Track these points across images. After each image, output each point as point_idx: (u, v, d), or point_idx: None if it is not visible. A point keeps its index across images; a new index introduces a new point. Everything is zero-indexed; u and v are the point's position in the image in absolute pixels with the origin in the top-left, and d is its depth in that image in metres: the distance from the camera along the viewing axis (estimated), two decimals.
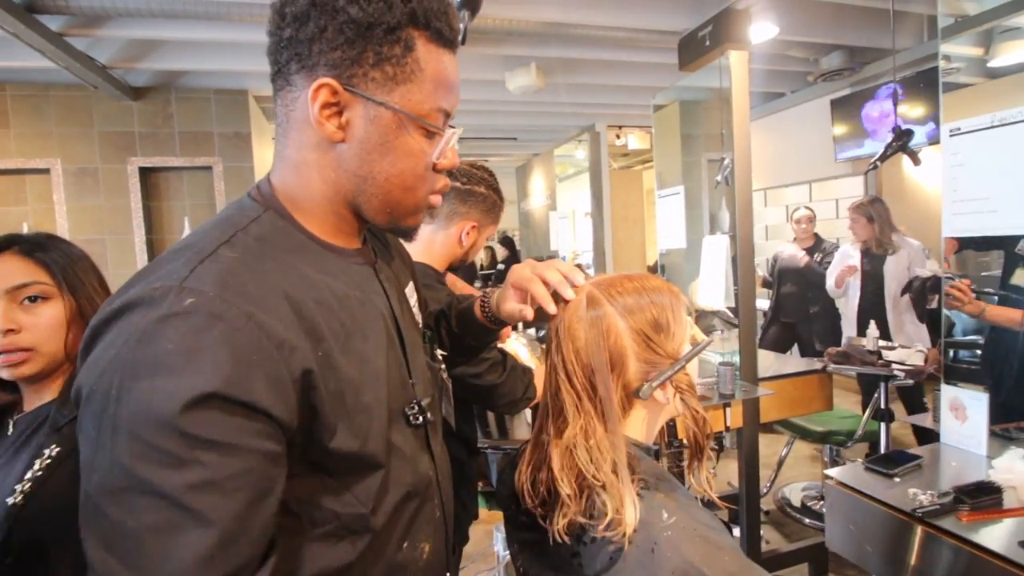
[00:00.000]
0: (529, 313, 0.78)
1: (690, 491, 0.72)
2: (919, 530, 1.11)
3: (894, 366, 2.05)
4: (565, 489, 0.67)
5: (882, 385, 2.19)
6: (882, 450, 2.22)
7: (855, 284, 3.26)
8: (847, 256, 3.34)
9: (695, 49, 3.25)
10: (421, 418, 0.67)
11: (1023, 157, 1.23)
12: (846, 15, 3.40)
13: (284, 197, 0.61)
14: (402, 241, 0.88)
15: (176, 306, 0.46)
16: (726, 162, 4.03)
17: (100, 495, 0.45)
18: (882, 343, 2.24)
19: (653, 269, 6.49)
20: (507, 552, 2.02)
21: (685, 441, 0.76)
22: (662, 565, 0.59)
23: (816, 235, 3.94)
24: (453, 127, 0.64)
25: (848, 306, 3.34)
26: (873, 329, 2.25)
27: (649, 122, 5.62)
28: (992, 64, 1.45)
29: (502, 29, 3.25)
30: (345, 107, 0.57)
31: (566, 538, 0.66)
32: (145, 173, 3.90)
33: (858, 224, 3.23)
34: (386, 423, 0.61)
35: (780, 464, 2.77)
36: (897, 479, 1.27)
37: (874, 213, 3.19)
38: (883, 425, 2.19)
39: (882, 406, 2.19)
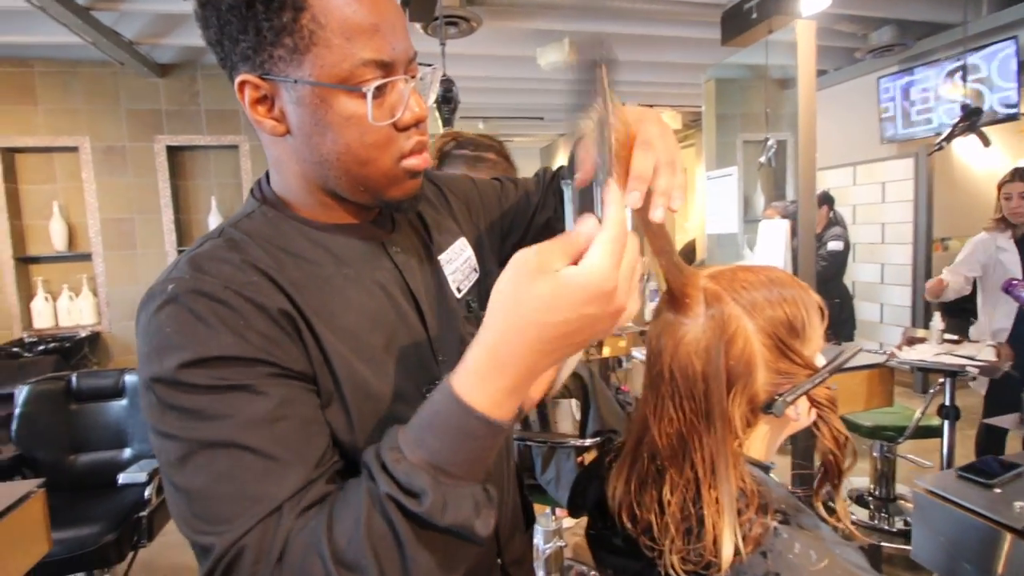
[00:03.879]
0: (587, 174, 0.48)
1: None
2: None
3: (966, 362, 1.91)
4: (674, 520, 0.57)
5: (948, 380, 2.05)
6: (944, 451, 2.09)
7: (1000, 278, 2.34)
8: (993, 247, 2.41)
9: (741, 22, 3.06)
10: None
11: None
12: None
13: (278, 191, 0.61)
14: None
15: (163, 296, 0.49)
16: (770, 143, 3.85)
17: (170, 472, 0.47)
18: (947, 336, 2.10)
19: (685, 252, 6.32)
20: (548, 547, 1.95)
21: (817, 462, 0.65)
22: None
23: (831, 218, 3.63)
24: (426, 65, 0.56)
25: (998, 302, 2.41)
26: (938, 321, 2.10)
27: (682, 101, 5.43)
28: None
29: (535, 2, 3.09)
30: (273, 97, 0.53)
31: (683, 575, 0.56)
32: (172, 151, 3.84)
33: None
34: (385, 403, 0.56)
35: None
36: (997, 489, 1.15)
37: None
38: (947, 424, 2.06)
39: (947, 402, 2.05)
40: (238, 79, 0.53)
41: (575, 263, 0.42)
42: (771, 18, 2.86)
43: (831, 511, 0.62)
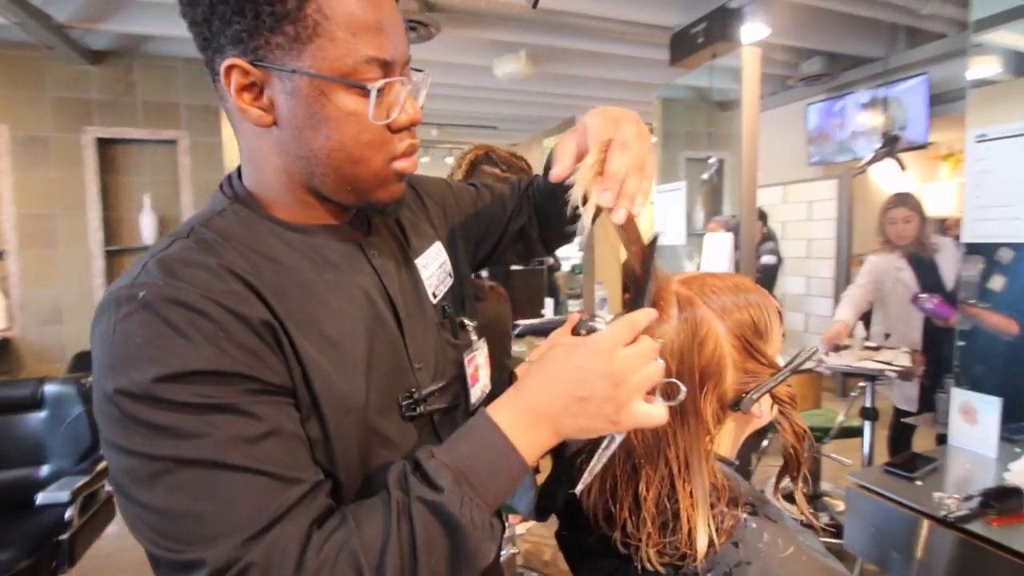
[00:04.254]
0: (564, 169, 0.58)
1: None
2: (950, 535, 1.09)
3: (885, 367, 2.08)
4: (650, 515, 0.60)
5: (868, 383, 2.22)
6: (865, 449, 2.25)
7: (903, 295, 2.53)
8: (891, 269, 2.57)
9: (687, 46, 3.22)
10: (419, 408, 0.60)
11: None
12: (831, 22, 3.44)
13: (251, 188, 0.58)
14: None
15: (132, 303, 0.45)
16: (712, 161, 4.06)
17: (134, 491, 0.44)
18: (867, 344, 2.28)
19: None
20: (502, 554, 1.95)
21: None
22: None
23: (764, 233, 3.88)
24: (418, 70, 0.55)
25: (903, 317, 2.57)
26: (860, 330, 2.27)
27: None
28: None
29: (494, 13, 3.13)
30: (263, 85, 0.51)
31: (660, 568, 0.59)
32: (103, 144, 3.59)
33: (911, 224, 2.50)
34: (363, 415, 0.55)
35: (758, 459, 2.79)
36: (919, 482, 1.26)
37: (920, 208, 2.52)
38: (868, 424, 2.23)
39: (868, 404, 2.22)
40: (225, 63, 0.50)
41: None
42: (715, 44, 3.03)
43: (791, 501, 0.66)
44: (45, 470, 2.00)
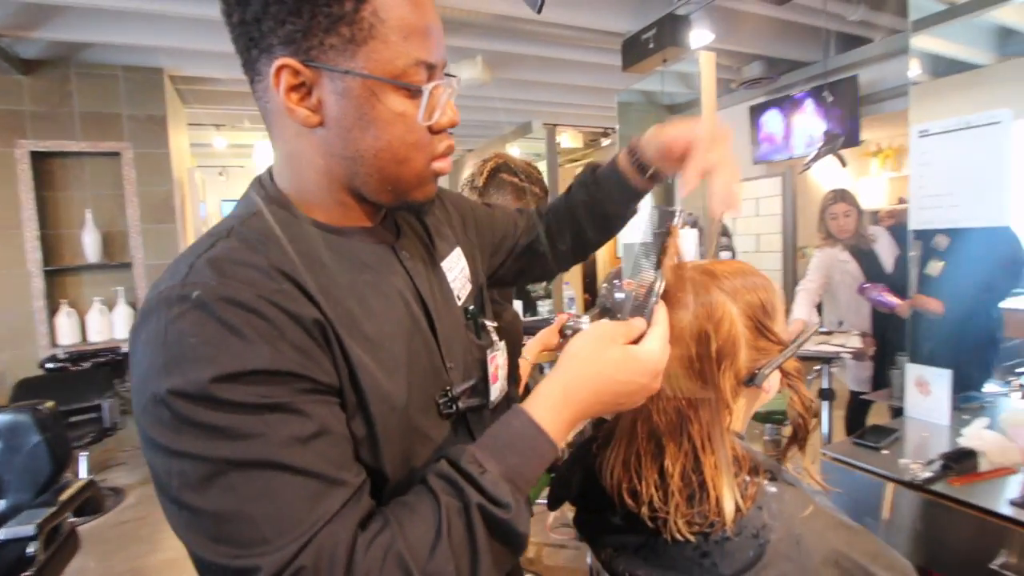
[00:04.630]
0: (693, 178, 0.68)
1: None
2: (917, 496, 1.19)
3: (840, 349, 2.22)
4: (678, 488, 0.63)
5: (825, 366, 2.36)
6: (824, 427, 2.39)
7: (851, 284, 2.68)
8: (836, 262, 2.73)
9: (639, 51, 3.33)
10: (454, 407, 0.62)
11: (986, 158, 1.36)
12: (770, 28, 3.64)
13: (285, 189, 0.58)
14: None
15: (185, 302, 0.45)
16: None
17: (185, 495, 0.43)
18: (820, 330, 2.42)
19: (587, 264, 6.63)
20: None
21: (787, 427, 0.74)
22: (811, 556, 0.57)
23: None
24: (450, 75, 0.58)
25: (852, 306, 2.71)
26: (815, 317, 2.42)
27: (585, 121, 5.74)
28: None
29: (452, 19, 3.15)
30: (313, 86, 0.51)
31: (691, 537, 0.62)
32: (38, 158, 3.37)
33: (850, 218, 2.70)
34: (406, 413, 0.56)
35: None
36: (884, 451, 1.36)
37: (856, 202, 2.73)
38: (826, 404, 2.37)
39: (825, 385, 2.36)
40: (276, 63, 0.50)
41: (632, 343, 0.56)
42: (665, 49, 3.15)
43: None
44: (1, 504, 1.86)
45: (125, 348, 3.39)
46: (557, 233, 0.89)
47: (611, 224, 0.88)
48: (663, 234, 0.64)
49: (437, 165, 0.58)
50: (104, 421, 3.06)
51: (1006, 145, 1.34)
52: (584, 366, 0.54)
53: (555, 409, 0.53)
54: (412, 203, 0.59)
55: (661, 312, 0.59)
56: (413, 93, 0.53)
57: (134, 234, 3.59)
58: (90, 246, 3.47)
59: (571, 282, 3.77)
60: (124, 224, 3.59)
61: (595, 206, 0.85)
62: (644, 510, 0.65)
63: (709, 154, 0.67)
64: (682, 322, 0.65)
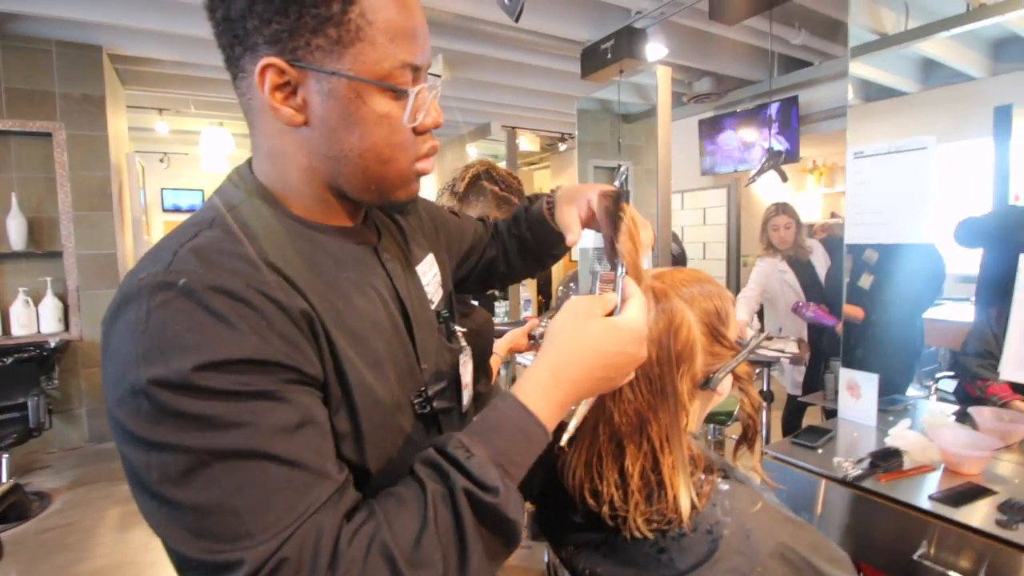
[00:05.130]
0: (576, 236, 0.74)
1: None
2: (848, 492, 1.27)
3: (779, 354, 2.34)
4: (637, 487, 0.65)
5: (765, 370, 2.49)
6: (763, 428, 2.52)
7: (791, 296, 2.81)
8: (776, 272, 2.86)
9: (597, 61, 3.40)
10: (428, 407, 0.63)
11: (914, 179, 1.47)
12: (720, 47, 3.80)
13: (267, 183, 0.57)
14: None
15: (171, 289, 0.44)
16: (623, 169, 4.29)
17: (166, 489, 0.42)
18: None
19: None
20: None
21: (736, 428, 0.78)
22: (759, 549, 0.60)
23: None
24: (435, 75, 0.59)
25: (795, 323, 2.84)
26: (755, 322, 2.54)
27: (542, 125, 5.80)
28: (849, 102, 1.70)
29: None
30: (298, 85, 0.51)
31: (648, 534, 0.64)
32: None
33: (790, 231, 2.83)
34: (389, 409, 0.56)
35: None
36: (819, 450, 1.44)
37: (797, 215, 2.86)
38: (765, 405, 2.49)
39: (765, 387, 2.49)
40: (262, 62, 0.49)
41: (608, 315, 0.55)
42: (622, 60, 3.23)
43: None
44: None
45: (53, 343, 3.16)
46: (512, 251, 0.92)
47: (556, 253, 0.91)
48: (614, 207, 0.65)
49: (420, 165, 0.58)
50: (29, 421, 2.84)
51: (931, 168, 1.46)
52: (568, 344, 0.53)
53: (544, 390, 0.51)
54: (395, 202, 0.59)
55: (632, 284, 0.58)
56: (399, 95, 0.52)
57: (65, 221, 3.35)
58: (15, 232, 3.22)
59: (527, 283, 3.80)
60: (54, 210, 3.35)
61: (536, 244, 0.89)
62: (605, 509, 0.67)
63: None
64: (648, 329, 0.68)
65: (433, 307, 0.72)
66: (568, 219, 0.75)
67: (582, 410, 0.61)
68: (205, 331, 0.43)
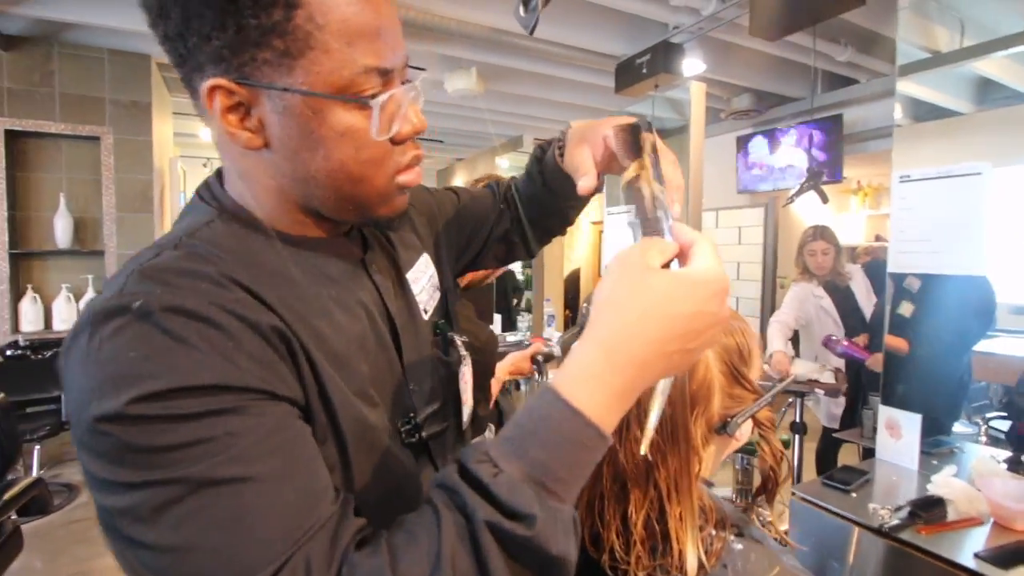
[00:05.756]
0: (591, 180, 0.59)
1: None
2: (883, 543, 1.17)
3: (814, 386, 2.22)
4: (640, 538, 0.60)
5: (798, 400, 2.36)
6: (795, 461, 2.39)
7: (828, 323, 2.71)
8: (812, 297, 2.76)
9: (632, 75, 3.35)
10: (416, 435, 0.58)
11: (965, 207, 1.37)
12: (761, 63, 3.70)
13: (240, 199, 0.53)
14: None
15: (124, 314, 0.39)
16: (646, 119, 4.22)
17: (137, 531, 0.37)
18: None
19: (571, 279, 6.64)
20: None
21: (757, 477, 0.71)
22: None
23: None
24: (417, 67, 0.52)
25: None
26: (789, 348, 2.42)
27: None
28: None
29: (446, 28, 3.13)
30: (251, 105, 0.46)
31: None
32: (13, 137, 3.26)
33: (828, 256, 2.70)
34: (376, 436, 0.52)
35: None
36: (853, 494, 1.34)
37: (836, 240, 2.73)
38: (797, 437, 2.36)
39: (797, 419, 2.36)
40: (207, 84, 0.45)
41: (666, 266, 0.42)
42: (658, 75, 3.17)
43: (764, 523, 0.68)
44: None
45: None
46: (530, 214, 0.82)
47: (575, 204, 0.79)
48: (634, 139, 0.53)
49: (402, 179, 0.53)
50: (61, 414, 2.94)
51: (984, 196, 1.35)
52: (625, 309, 0.39)
53: (595, 378, 0.39)
54: (379, 219, 0.55)
55: (686, 228, 0.44)
56: (364, 105, 0.47)
57: (108, 222, 3.48)
58: (62, 231, 3.36)
59: (552, 298, 3.75)
60: (99, 211, 3.48)
61: (552, 197, 0.77)
62: (605, 558, 0.62)
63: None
64: None
65: (428, 315, 0.67)
66: (580, 160, 0.62)
67: (660, 400, 0.45)
68: (164, 356, 0.39)
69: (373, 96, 0.47)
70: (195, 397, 0.38)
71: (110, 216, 3.48)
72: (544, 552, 0.36)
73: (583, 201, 0.78)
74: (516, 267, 6.34)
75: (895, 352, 1.79)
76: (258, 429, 0.40)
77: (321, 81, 0.45)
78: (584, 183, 0.61)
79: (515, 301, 5.51)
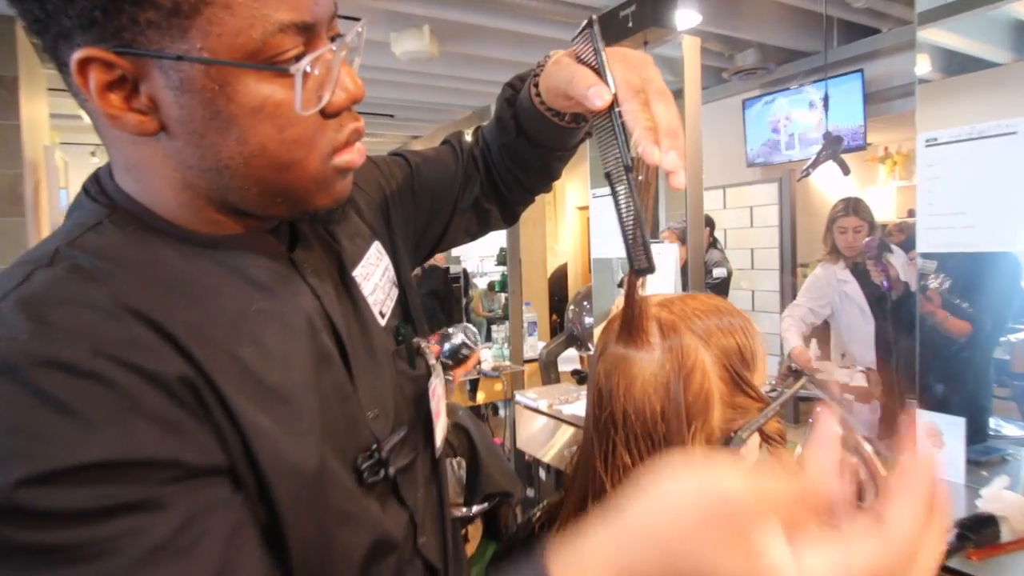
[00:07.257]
0: (603, 90, 0.53)
1: None
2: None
3: (841, 390, 2.28)
4: None
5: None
6: None
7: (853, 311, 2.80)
8: (834, 281, 2.85)
9: (616, 29, 3.39)
10: (381, 471, 0.58)
11: (1002, 171, 1.42)
12: (765, 11, 3.79)
13: (134, 194, 0.51)
14: None
15: None
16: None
17: None
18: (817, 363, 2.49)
19: (556, 278, 6.67)
20: None
21: None
22: None
23: (710, 241, 4.11)
24: (350, 18, 0.50)
25: (854, 334, 2.81)
26: (815, 348, 2.48)
27: None
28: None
29: None
30: (138, 80, 0.44)
31: None
32: None
33: (860, 234, 2.76)
34: (319, 487, 0.50)
35: None
36: None
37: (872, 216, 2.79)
38: None
39: None
40: (76, 55, 0.42)
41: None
42: (647, 29, 3.22)
43: None
44: None
45: None
46: (503, 172, 0.80)
47: (567, 147, 0.77)
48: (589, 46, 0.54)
49: (340, 160, 0.52)
50: None
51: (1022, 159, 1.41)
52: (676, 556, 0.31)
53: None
54: (316, 211, 0.54)
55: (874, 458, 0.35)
56: (282, 72, 0.45)
57: None
58: None
59: (532, 302, 3.76)
60: None
61: (533, 148, 0.75)
62: None
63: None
64: (644, 372, 0.64)
65: (385, 320, 0.66)
66: (571, 72, 0.58)
67: None
68: (37, 430, 0.37)
69: (296, 59, 0.46)
70: (79, 482, 0.37)
71: None
72: None
73: (571, 145, 0.75)
74: (490, 263, 6.32)
75: (958, 336, 1.80)
76: (164, 526, 0.39)
77: (224, 45, 0.43)
78: (595, 93, 0.54)
79: (464, 301, 5.50)
